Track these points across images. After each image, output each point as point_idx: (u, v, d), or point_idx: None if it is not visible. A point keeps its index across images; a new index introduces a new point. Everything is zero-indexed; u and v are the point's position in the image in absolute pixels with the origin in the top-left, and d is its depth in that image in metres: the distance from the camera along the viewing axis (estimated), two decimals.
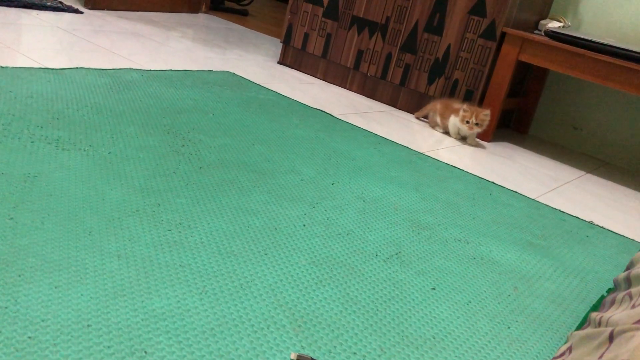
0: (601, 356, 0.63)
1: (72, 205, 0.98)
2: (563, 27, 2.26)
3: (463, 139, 2.10)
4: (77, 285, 0.78)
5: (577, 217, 1.56)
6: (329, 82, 2.53)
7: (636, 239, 1.50)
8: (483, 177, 1.73)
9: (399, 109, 2.36)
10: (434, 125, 2.18)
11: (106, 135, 1.32)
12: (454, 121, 2.06)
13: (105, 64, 1.90)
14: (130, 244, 0.91)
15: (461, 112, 2.00)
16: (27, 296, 0.73)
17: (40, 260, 0.81)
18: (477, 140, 2.15)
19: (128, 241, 0.91)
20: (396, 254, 1.10)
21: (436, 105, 2.14)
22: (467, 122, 1.99)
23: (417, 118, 2.27)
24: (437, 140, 2.04)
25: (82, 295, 0.76)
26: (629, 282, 0.83)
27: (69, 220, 0.93)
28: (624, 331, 0.62)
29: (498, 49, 2.12)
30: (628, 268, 1.03)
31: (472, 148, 2.05)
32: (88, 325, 0.71)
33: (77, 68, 1.77)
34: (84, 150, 1.21)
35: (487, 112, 2.00)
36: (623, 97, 2.30)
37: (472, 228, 1.31)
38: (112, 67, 1.88)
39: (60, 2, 2.65)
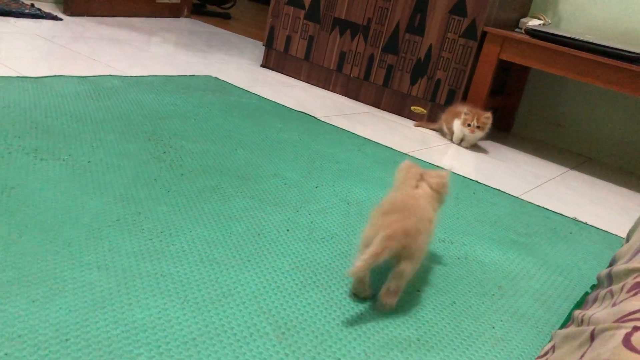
0: (583, 355, 0.63)
1: (51, 216, 0.97)
2: (543, 24, 2.28)
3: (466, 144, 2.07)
4: (55, 299, 0.76)
5: (561, 214, 1.57)
6: (312, 85, 2.52)
7: (619, 235, 1.52)
8: (466, 176, 1.74)
9: (383, 110, 2.36)
10: (440, 129, 2.17)
11: (86, 144, 1.30)
12: (456, 125, 2.03)
13: (85, 71, 1.89)
14: (111, 255, 0.90)
15: (463, 116, 1.98)
16: (4, 311, 0.72)
17: (18, 273, 0.80)
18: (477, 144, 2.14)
19: (108, 251, 0.90)
20: None
21: (442, 116, 2.12)
22: (469, 125, 1.97)
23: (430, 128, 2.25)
24: (421, 141, 2.04)
25: (60, 308, 0.75)
26: (610, 279, 0.84)
27: (48, 231, 0.92)
28: (604, 330, 0.62)
29: (479, 48, 2.13)
30: (611, 264, 1.04)
31: (454, 147, 2.05)
32: (67, 340, 0.70)
33: (56, 76, 1.75)
34: (63, 160, 1.19)
35: (489, 114, 1.98)
36: (604, 93, 2.32)
37: (456, 228, 1.32)
38: (92, 74, 1.86)
39: (39, 9, 2.63)
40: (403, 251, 0.89)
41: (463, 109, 2.00)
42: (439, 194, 1.05)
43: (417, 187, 1.03)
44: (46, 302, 0.75)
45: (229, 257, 0.97)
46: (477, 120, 1.97)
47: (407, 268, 0.89)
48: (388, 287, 0.90)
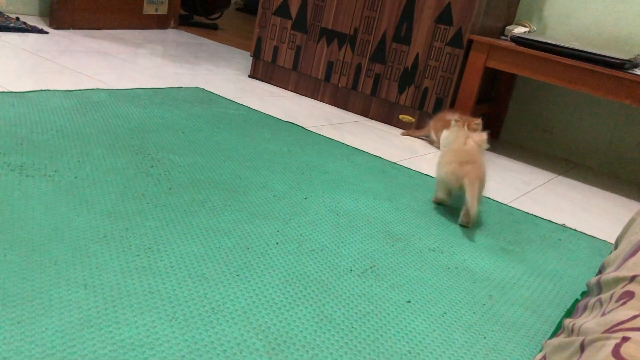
0: None
1: (37, 234, 0.95)
2: (529, 32, 2.29)
3: None
4: (41, 319, 0.75)
5: (550, 221, 1.57)
6: (301, 94, 2.53)
7: (608, 240, 1.52)
8: None
9: (371, 119, 2.37)
10: (428, 135, 2.17)
11: (72, 159, 1.29)
12: (443, 136, 2.00)
13: (71, 85, 1.87)
14: (98, 272, 0.89)
15: (453, 123, 1.98)
16: None
17: (2, 294, 0.79)
18: None
19: (95, 269, 0.89)
20: (370, 267, 1.09)
21: (431, 122, 2.12)
22: None
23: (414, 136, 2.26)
24: (410, 150, 2.04)
25: (46, 329, 0.74)
26: (599, 287, 0.84)
27: (33, 250, 0.91)
28: (594, 340, 0.62)
29: (466, 56, 2.14)
30: (600, 271, 1.04)
31: None
32: None
33: (42, 90, 1.74)
34: (49, 176, 1.18)
35: (479, 120, 1.97)
36: (590, 99, 2.34)
37: (446, 237, 1.32)
38: (78, 88, 1.85)
39: (24, 23, 2.61)
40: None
41: (452, 116, 2.01)
42: (481, 148, 1.48)
43: (465, 143, 1.47)
44: (32, 323, 0.74)
45: (218, 272, 0.96)
46: (468, 126, 1.97)
47: (475, 203, 1.32)
48: (463, 217, 1.39)
